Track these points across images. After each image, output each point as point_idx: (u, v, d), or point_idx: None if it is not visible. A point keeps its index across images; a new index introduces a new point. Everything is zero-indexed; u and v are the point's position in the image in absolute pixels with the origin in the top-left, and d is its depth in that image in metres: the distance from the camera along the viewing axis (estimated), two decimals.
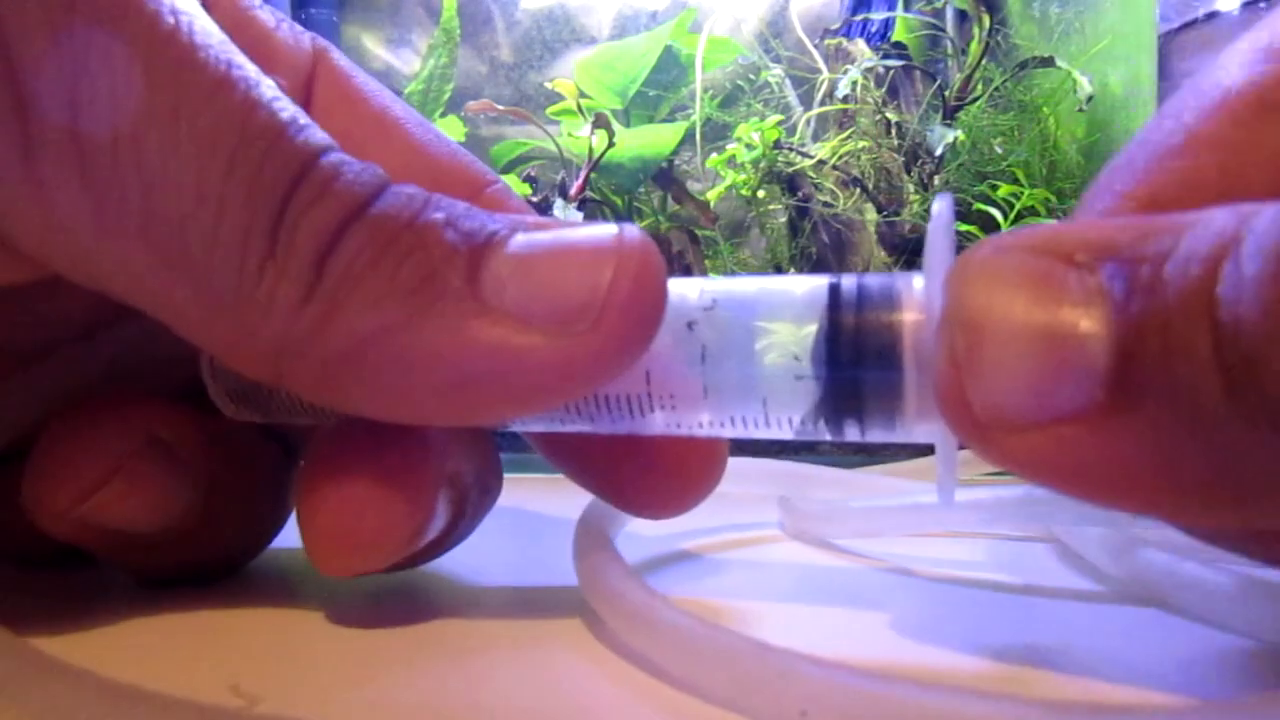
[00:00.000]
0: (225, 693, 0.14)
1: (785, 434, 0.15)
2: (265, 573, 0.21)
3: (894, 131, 0.49)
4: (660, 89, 0.52)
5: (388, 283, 0.13)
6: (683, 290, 0.15)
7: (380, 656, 0.16)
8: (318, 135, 0.14)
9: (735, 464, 0.22)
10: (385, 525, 0.16)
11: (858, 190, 0.48)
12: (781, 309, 0.15)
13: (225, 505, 0.19)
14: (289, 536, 0.23)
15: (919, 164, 0.48)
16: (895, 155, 0.49)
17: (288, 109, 0.14)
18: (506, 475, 0.20)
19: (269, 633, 0.17)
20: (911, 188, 0.48)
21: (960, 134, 0.46)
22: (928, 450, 0.15)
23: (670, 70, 0.52)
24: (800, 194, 0.49)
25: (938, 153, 0.46)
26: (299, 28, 0.19)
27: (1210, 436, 0.10)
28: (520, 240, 0.14)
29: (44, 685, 0.13)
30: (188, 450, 0.18)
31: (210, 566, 0.20)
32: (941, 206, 0.14)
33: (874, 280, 0.14)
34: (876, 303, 0.14)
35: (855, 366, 0.14)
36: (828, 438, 0.15)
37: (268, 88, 0.14)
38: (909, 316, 0.14)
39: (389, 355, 0.14)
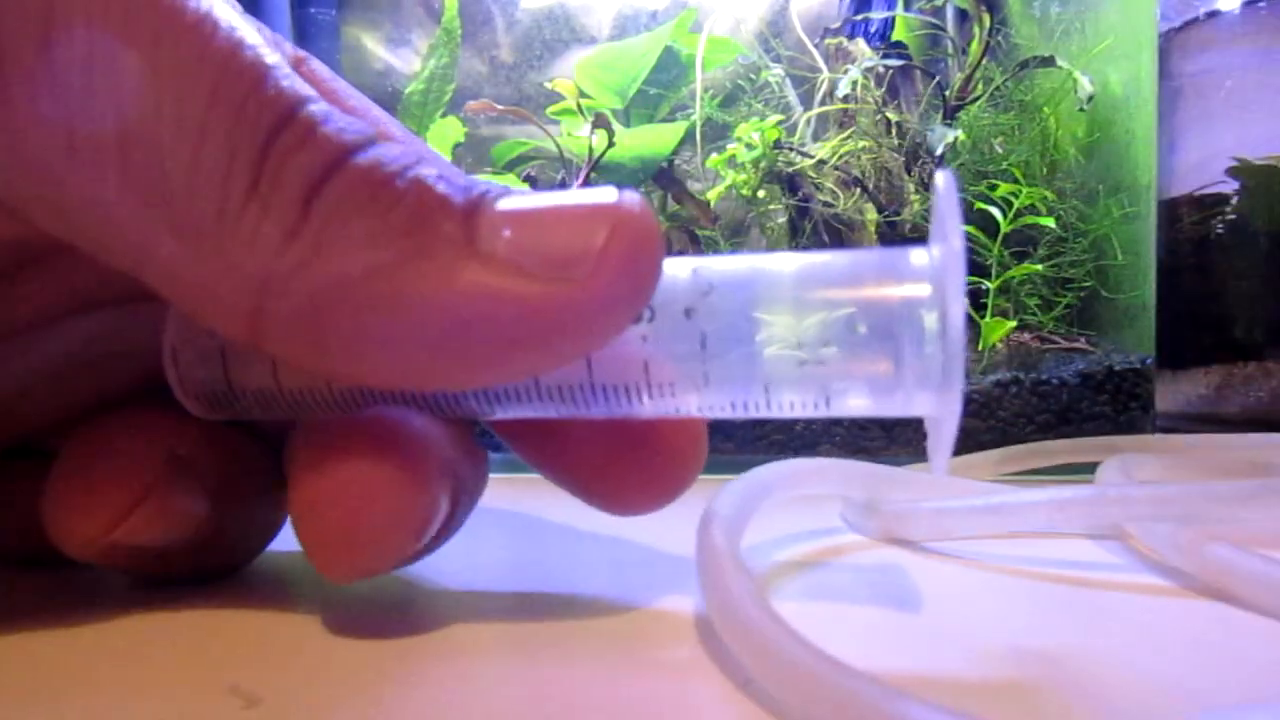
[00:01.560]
0: (225, 693, 0.14)
1: (785, 414, 0.15)
2: (264, 573, 0.21)
3: (894, 131, 0.49)
4: (660, 89, 0.52)
5: (379, 224, 0.13)
6: (677, 273, 0.15)
7: (380, 657, 0.16)
8: (303, 86, 0.14)
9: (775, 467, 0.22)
10: (395, 515, 0.15)
11: (858, 190, 0.48)
12: (778, 289, 0.15)
13: (231, 511, 0.19)
14: (288, 538, 0.23)
15: (919, 164, 0.48)
16: (895, 155, 0.48)
17: (272, 57, 0.14)
18: (496, 475, 0.20)
19: (269, 633, 0.17)
20: (912, 188, 0.48)
21: (960, 133, 0.46)
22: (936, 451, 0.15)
23: (670, 70, 0.52)
24: (800, 194, 0.49)
25: (938, 152, 0.46)
26: (279, 36, 0.19)
27: None
28: (516, 199, 0.14)
29: None
30: (204, 464, 0.18)
31: (214, 569, 0.20)
32: (945, 179, 0.14)
33: (873, 256, 0.15)
34: (878, 278, 0.14)
35: (860, 342, 0.14)
36: (827, 414, 0.15)
37: (250, 35, 0.14)
38: (911, 291, 0.14)
39: (377, 298, 0.13)
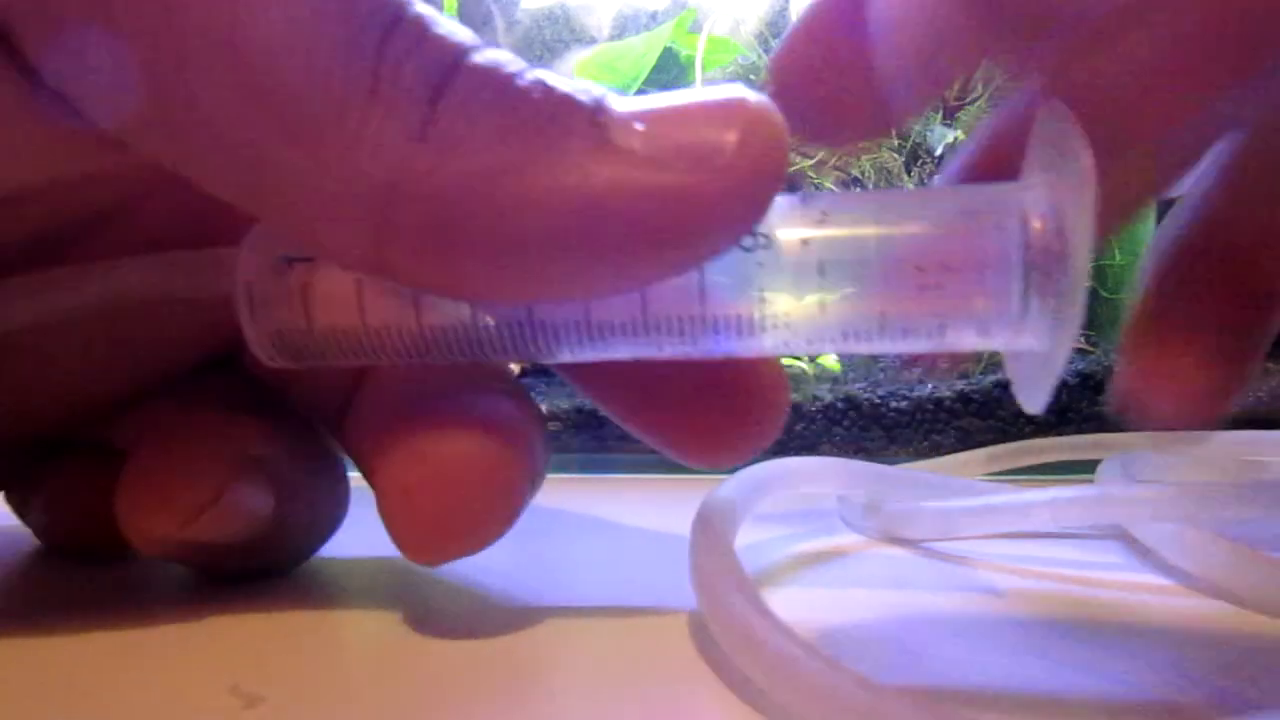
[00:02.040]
0: (225, 693, 0.14)
1: (896, 346, 0.15)
2: (265, 572, 0.21)
3: (893, 131, 0.49)
4: (660, 89, 0.52)
5: (509, 120, 0.13)
6: (788, 201, 0.15)
7: (381, 657, 0.16)
8: None
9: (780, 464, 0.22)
10: (495, 499, 0.15)
11: (857, 190, 0.48)
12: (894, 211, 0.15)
13: (297, 507, 0.19)
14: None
15: (919, 164, 0.48)
16: (895, 155, 0.48)
17: None
18: None
19: (269, 633, 0.17)
20: (911, 187, 0.48)
21: (960, 133, 0.46)
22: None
23: (670, 70, 0.52)
24: (800, 194, 0.49)
25: (937, 152, 0.46)
26: None
27: None
28: (639, 99, 0.13)
29: None
30: (273, 462, 0.18)
31: (276, 564, 0.20)
32: (1057, 107, 0.14)
33: (989, 187, 0.15)
34: (997, 206, 0.14)
35: (974, 271, 0.14)
36: (940, 346, 0.15)
37: None
38: (1013, 223, 0.14)
39: (511, 199, 0.13)
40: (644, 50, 0.50)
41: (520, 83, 0.13)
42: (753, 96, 0.13)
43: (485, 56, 0.13)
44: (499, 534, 0.16)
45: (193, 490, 0.17)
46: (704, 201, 0.13)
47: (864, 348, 0.15)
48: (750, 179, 0.13)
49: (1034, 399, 0.15)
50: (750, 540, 0.23)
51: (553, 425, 0.37)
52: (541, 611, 0.18)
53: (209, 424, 0.18)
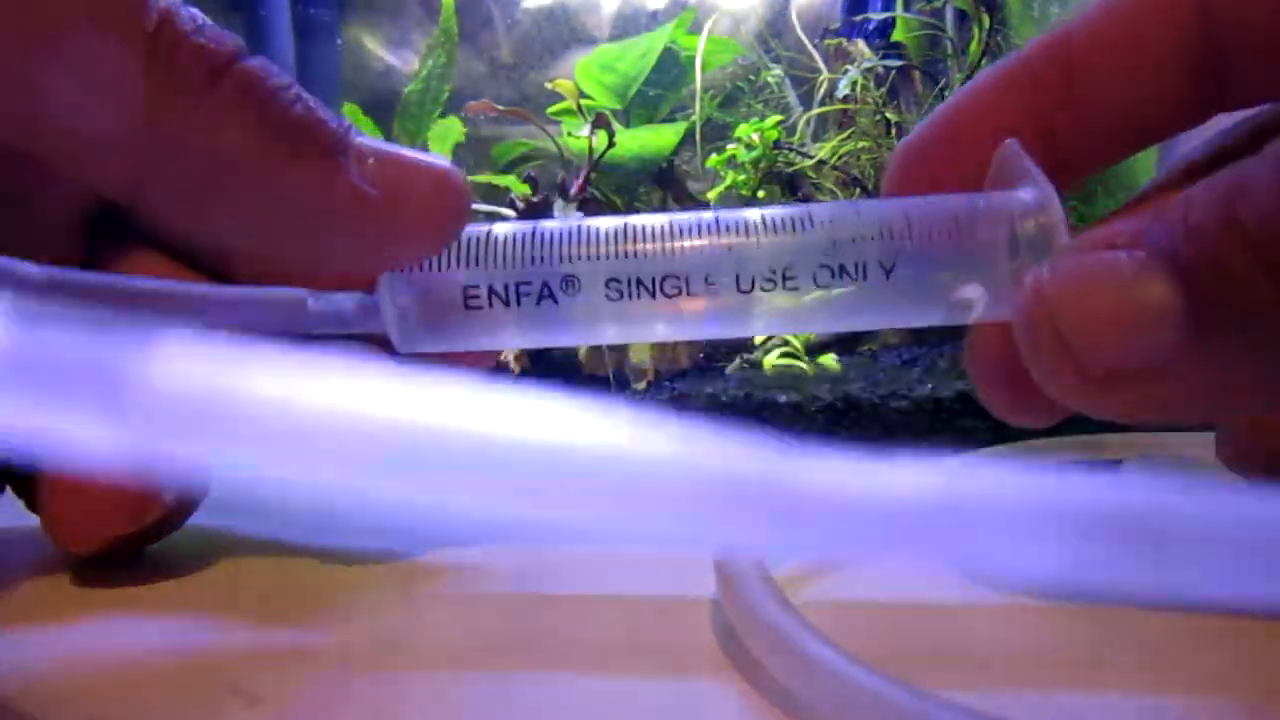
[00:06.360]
0: (225, 693, 0.14)
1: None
2: (264, 573, 0.21)
3: (894, 131, 0.49)
4: (660, 89, 0.52)
5: (274, 116, 0.16)
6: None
7: (381, 657, 0.16)
8: None
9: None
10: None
11: (858, 190, 0.48)
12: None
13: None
14: (290, 534, 0.23)
15: None
16: None
17: None
18: None
19: (269, 633, 0.17)
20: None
21: None
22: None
23: (670, 70, 0.52)
24: (800, 194, 0.49)
25: None
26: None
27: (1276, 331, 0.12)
28: (370, 140, 0.17)
29: None
30: None
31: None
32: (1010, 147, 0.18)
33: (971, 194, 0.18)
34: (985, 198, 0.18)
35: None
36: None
37: None
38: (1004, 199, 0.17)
39: (261, 172, 0.16)
40: (644, 50, 0.50)
41: (289, 91, 0.16)
42: (452, 167, 0.18)
43: (257, 62, 0.16)
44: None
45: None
46: (398, 226, 0.17)
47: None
48: (437, 223, 0.17)
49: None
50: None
51: None
52: (549, 603, 0.18)
53: None
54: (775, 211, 0.18)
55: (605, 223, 0.18)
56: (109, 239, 0.20)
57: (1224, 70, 0.17)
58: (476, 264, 0.18)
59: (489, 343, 0.19)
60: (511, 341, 0.19)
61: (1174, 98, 0.18)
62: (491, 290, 0.18)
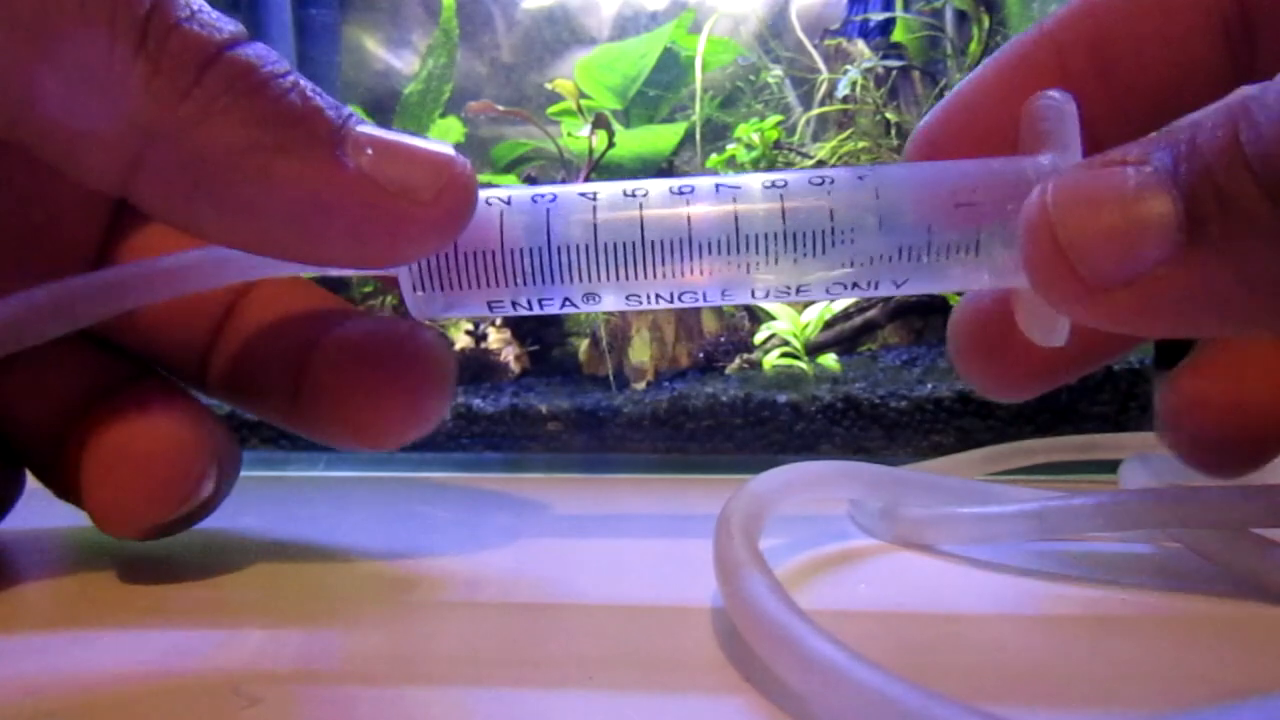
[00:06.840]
0: (225, 693, 0.14)
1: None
2: (264, 573, 0.21)
3: (894, 131, 0.49)
4: (660, 89, 0.52)
5: (266, 106, 0.15)
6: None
7: (382, 657, 0.16)
8: None
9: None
10: (176, 472, 0.19)
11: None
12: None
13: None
14: (291, 539, 0.23)
15: None
16: (895, 155, 0.49)
17: None
18: (505, 475, 0.20)
19: (269, 633, 0.17)
20: None
21: None
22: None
23: (670, 70, 0.52)
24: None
25: None
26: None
27: (1270, 248, 0.13)
28: (373, 127, 0.17)
29: None
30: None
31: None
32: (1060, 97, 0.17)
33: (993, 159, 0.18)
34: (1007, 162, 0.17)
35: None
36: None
37: None
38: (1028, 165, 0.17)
39: (252, 170, 0.15)
40: (644, 51, 0.50)
41: (282, 81, 0.16)
42: (458, 154, 0.17)
43: (252, 49, 0.16)
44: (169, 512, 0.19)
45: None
46: (402, 222, 0.16)
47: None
48: (441, 216, 0.16)
49: (1051, 334, 0.17)
50: (763, 546, 0.23)
51: (553, 425, 0.37)
52: (555, 614, 0.18)
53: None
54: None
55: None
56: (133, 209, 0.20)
57: (1254, 38, 0.18)
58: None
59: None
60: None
61: (1205, 66, 0.18)
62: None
